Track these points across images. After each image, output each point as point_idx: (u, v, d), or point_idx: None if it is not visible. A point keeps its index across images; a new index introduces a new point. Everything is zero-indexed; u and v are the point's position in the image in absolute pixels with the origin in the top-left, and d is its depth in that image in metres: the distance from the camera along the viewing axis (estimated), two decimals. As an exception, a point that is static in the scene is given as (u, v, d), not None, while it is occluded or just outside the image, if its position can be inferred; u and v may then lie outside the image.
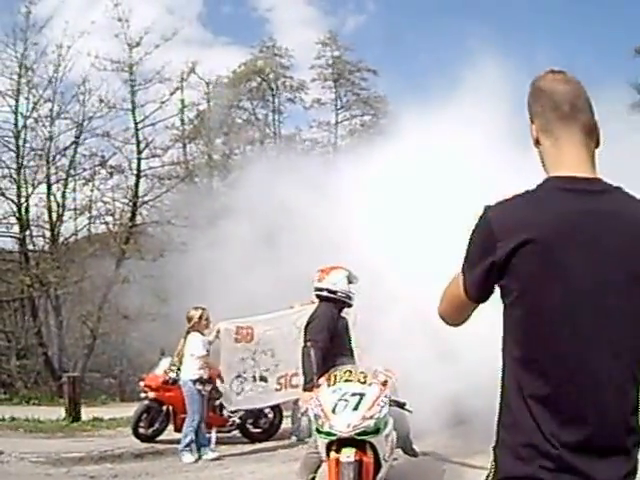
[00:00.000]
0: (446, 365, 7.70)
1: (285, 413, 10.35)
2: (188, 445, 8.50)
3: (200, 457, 8.53)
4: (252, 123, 25.17)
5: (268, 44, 28.86)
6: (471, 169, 9.42)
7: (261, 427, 10.11)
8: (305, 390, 5.80)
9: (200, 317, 8.82)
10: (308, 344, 5.96)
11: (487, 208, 1.83)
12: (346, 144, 26.53)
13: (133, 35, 17.20)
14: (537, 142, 1.92)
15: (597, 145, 1.88)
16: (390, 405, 5.30)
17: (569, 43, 34.00)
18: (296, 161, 16.24)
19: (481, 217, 1.82)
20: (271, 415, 10.13)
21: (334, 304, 6.43)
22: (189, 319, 8.86)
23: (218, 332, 9.11)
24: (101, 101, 16.44)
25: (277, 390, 9.56)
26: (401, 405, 5.59)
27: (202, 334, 8.82)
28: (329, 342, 5.99)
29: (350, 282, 6.60)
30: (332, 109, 29.80)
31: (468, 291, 1.86)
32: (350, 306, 6.66)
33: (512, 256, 1.72)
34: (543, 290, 1.71)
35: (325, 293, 6.50)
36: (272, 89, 27.59)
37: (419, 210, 9.17)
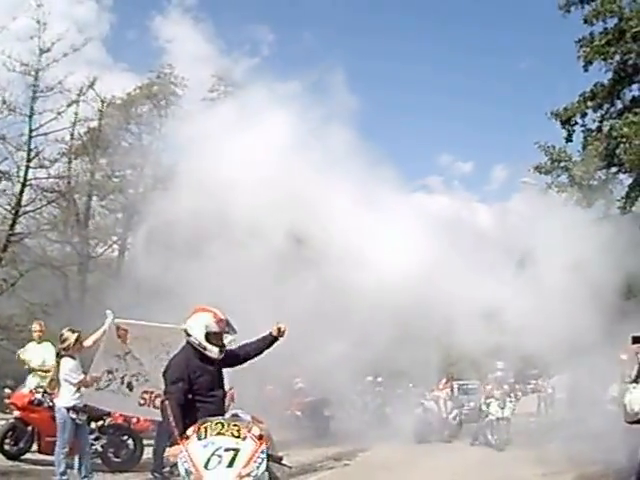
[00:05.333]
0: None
1: (145, 442, 10.78)
2: (64, 473, 8.39)
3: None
4: (136, 148, 25.60)
5: (166, 70, 29.56)
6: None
7: (121, 457, 10.44)
8: (171, 444, 5.35)
9: (76, 340, 8.54)
10: (164, 397, 5.67)
11: None
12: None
13: (46, 40, 17.50)
14: None
15: None
16: (267, 461, 4.99)
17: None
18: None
19: None
20: (132, 446, 10.53)
21: (192, 348, 5.83)
22: (63, 340, 8.52)
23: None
24: (3, 102, 16.53)
25: (140, 405, 9.60)
26: (278, 460, 5.32)
27: (73, 358, 8.52)
28: (188, 391, 5.62)
29: (227, 332, 5.93)
30: (216, 144, 30.60)
31: None
32: (212, 362, 5.86)
33: None
34: None
35: (184, 334, 5.93)
36: (161, 116, 28.18)
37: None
